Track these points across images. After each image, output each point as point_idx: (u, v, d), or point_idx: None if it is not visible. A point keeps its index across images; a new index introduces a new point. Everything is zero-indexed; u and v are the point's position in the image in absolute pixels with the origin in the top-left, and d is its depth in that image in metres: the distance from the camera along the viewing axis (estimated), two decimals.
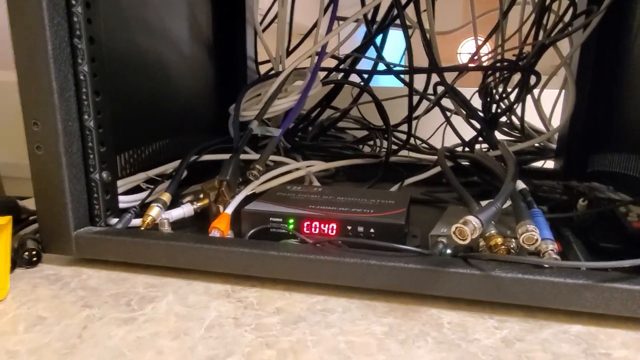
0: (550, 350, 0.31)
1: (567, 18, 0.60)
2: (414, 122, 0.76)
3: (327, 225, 0.44)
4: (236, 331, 0.33)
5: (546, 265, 0.35)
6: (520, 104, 0.67)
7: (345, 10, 0.66)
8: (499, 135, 0.73)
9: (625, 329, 0.33)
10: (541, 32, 0.62)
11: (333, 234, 0.43)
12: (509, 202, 0.40)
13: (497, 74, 0.66)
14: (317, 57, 0.59)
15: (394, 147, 0.72)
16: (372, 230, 0.42)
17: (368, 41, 0.64)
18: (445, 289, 0.36)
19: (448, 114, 0.72)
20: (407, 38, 0.60)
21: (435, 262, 0.36)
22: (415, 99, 0.72)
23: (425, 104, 0.74)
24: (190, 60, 0.65)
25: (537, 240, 0.34)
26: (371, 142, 0.77)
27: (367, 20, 0.63)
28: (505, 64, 0.65)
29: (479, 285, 0.35)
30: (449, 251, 0.38)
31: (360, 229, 0.43)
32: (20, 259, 0.42)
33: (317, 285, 0.39)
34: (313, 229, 0.44)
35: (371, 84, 0.70)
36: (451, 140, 0.73)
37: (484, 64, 0.66)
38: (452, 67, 0.65)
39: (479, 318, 0.35)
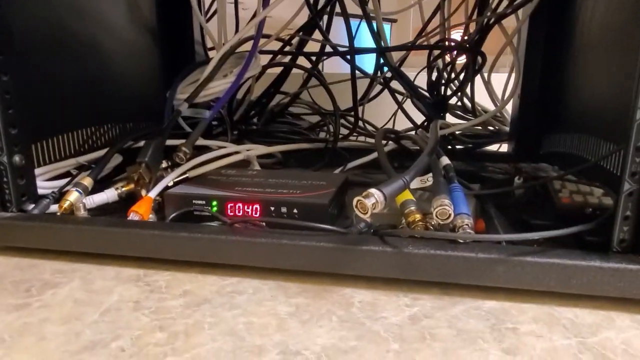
0: (456, 326, 0.30)
1: None
2: (366, 106, 0.75)
3: (250, 207, 0.42)
4: (132, 315, 0.31)
5: (460, 241, 0.33)
6: (470, 85, 0.66)
7: None
8: (450, 118, 0.72)
9: (538, 304, 0.32)
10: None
11: (257, 215, 0.42)
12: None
13: (442, 55, 0.65)
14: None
15: (347, 131, 0.70)
16: (295, 211, 0.41)
17: (314, 23, 0.63)
18: (358, 268, 0.34)
19: (401, 98, 0.70)
20: (347, 20, 0.59)
21: (349, 240, 0.35)
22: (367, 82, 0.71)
23: (379, 87, 0.73)
24: (129, 45, 0.63)
25: (450, 214, 0.33)
26: (325, 128, 0.75)
27: (308, 3, 0.61)
28: (448, 43, 0.63)
29: (392, 263, 0.34)
30: (371, 230, 0.37)
31: (284, 209, 0.41)
32: None
33: (233, 267, 0.37)
34: (237, 211, 0.42)
35: (330, 69, 0.68)
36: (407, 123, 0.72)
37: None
38: (395, 47, 0.63)
39: (392, 296, 0.34)
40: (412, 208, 0.36)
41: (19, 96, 0.41)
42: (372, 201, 0.31)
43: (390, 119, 0.76)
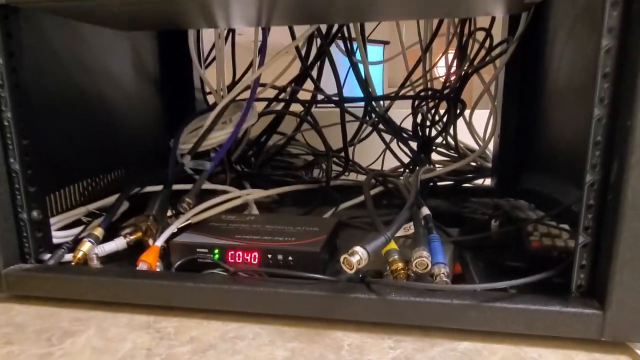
0: None
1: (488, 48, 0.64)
2: (357, 145, 0.79)
3: (249, 255, 0.46)
4: None
5: (437, 289, 0.37)
6: (452, 128, 0.71)
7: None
8: (437, 156, 0.77)
9: (508, 344, 0.36)
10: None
11: (255, 262, 0.46)
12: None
13: (426, 102, 0.70)
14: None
15: (339, 170, 0.75)
16: (290, 258, 0.45)
17: (304, 72, 0.68)
18: (347, 314, 0.38)
19: (389, 138, 0.75)
20: (334, 70, 0.64)
21: (339, 288, 0.39)
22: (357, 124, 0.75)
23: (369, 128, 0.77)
24: (134, 96, 0.67)
25: (427, 265, 0.37)
26: (318, 166, 0.80)
27: (299, 53, 0.66)
28: (430, 93, 0.68)
29: (377, 309, 0.38)
30: (360, 276, 0.41)
31: (280, 257, 0.45)
32: None
33: (234, 313, 0.41)
34: (237, 259, 0.46)
35: (323, 109, 0.73)
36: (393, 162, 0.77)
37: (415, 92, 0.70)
38: (381, 96, 0.68)
39: (378, 339, 0.37)
40: (395, 257, 0.40)
41: (37, 157, 0.45)
42: (356, 258, 0.35)
43: (379, 157, 0.81)
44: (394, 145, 0.76)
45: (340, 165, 0.76)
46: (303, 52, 0.67)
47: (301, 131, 0.75)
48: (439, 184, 0.72)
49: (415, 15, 0.57)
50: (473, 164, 0.79)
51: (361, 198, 0.63)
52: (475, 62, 0.64)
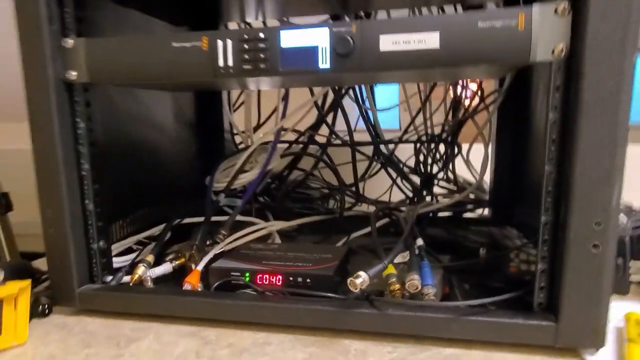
0: None
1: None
2: (368, 182, 0.89)
3: (275, 277, 0.56)
4: None
5: (425, 305, 0.47)
6: (451, 165, 0.80)
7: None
8: (439, 189, 0.86)
9: (484, 351, 0.45)
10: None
11: (279, 284, 0.55)
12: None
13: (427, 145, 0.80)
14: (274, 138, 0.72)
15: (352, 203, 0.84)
16: (308, 280, 0.54)
17: (320, 120, 0.78)
18: (353, 325, 0.48)
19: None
20: (346, 118, 0.74)
21: (347, 304, 0.48)
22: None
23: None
24: (175, 141, 0.79)
25: (418, 287, 0.47)
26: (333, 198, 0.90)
27: (317, 105, 0.77)
28: (429, 137, 0.78)
29: (378, 321, 0.47)
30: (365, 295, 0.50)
31: (300, 279, 0.55)
32: (35, 311, 0.54)
33: (263, 325, 0.51)
34: (264, 281, 0.56)
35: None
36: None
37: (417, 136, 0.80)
38: (387, 140, 0.78)
39: (379, 346, 0.47)
40: (394, 280, 0.49)
41: (105, 197, 0.56)
42: (360, 281, 0.44)
43: (387, 190, 0.90)
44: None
45: (353, 198, 0.86)
46: (320, 102, 0.78)
47: (318, 168, 0.85)
48: (439, 214, 0.82)
49: (417, 80, 0.68)
50: (472, 196, 0.88)
51: (369, 228, 0.72)
52: (470, 109, 0.74)
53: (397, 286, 0.49)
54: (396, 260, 0.55)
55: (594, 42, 0.39)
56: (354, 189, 0.84)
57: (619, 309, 0.50)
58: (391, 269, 0.50)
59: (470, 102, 0.74)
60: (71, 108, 0.52)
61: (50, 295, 0.56)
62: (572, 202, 0.41)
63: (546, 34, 0.40)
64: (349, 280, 0.45)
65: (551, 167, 0.43)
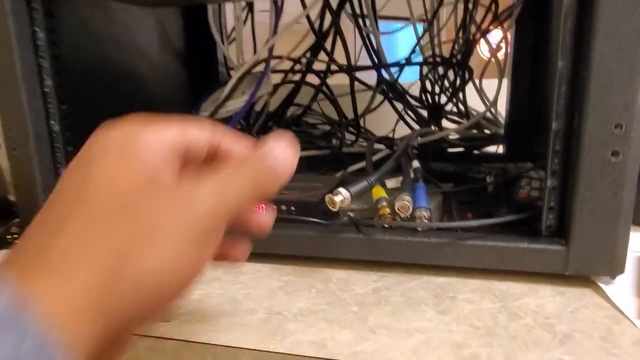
0: (407, 295, 0.38)
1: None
2: (373, 115, 0.83)
3: (257, 206, 0.51)
4: None
5: (418, 229, 0.41)
6: (462, 94, 0.73)
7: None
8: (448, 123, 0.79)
9: (481, 279, 0.40)
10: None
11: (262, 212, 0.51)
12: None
13: (434, 69, 0.72)
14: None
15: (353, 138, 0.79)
16: (292, 208, 0.50)
17: (317, 43, 0.72)
18: (337, 252, 0.43)
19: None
20: (343, 39, 0.67)
21: (332, 230, 0.43)
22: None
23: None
24: (160, 69, 0.73)
25: (409, 208, 0.41)
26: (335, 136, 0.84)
27: (311, 24, 0.70)
28: (438, 59, 0.71)
29: (363, 248, 0.42)
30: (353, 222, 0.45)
31: (284, 207, 0.50)
32: (6, 242, 0.51)
33: None
34: None
35: (340, 81, 0.76)
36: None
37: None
38: (390, 64, 0.71)
39: (364, 275, 0.42)
40: (384, 203, 0.44)
41: (75, 120, 0.52)
42: (340, 198, 0.39)
43: (395, 126, 0.84)
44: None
45: (354, 134, 0.80)
46: (317, 25, 0.71)
47: (318, 101, 0.79)
48: (450, 150, 0.75)
49: None
50: (487, 131, 0.81)
51: (363, 163, 0.66)
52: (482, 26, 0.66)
53: (388, 210, 0.43)
54: (392, 186, 0.50)
55: None
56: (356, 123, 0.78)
57: None
58: (381, 192, 0.45)
59: (484, 18, 0.65)
60: (29, 16, 0.47)
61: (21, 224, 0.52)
62: (587, 100, 0.34)
63: None
64: (327, 198, 0.40)
65: (565, 61, 0.36)
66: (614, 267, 0.37)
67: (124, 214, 0.19)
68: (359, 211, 0.47)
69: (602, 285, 0.37)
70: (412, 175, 0.47)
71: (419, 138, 0.62)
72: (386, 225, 0.42)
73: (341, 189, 0.39)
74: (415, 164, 0.49)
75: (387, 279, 0.41)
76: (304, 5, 0.67)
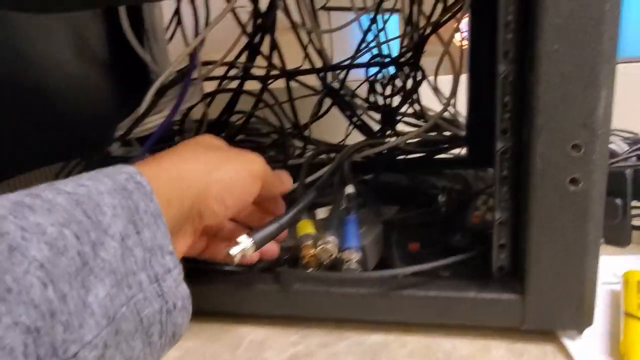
0: None
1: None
2: (323, 121, 0.75)
3: None
4: None
5: (343, 278, 0.34)
6: (416, 95, 0.66)
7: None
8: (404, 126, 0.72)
9: (422, 336, 0.32)
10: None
11: None
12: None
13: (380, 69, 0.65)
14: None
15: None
16: None
17: (252, 47, 0.63)
18: (249, 307, 0.35)
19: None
20: (272, 40, 0.59)
21: (246, 280, 0.35)
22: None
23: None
24: (79, 79, 0.65)
25: (332, 254, 0.34)
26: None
27: (242, 25, 0.62)
28: (387, 60, 0.63)
29: (281, 302, 0.34)
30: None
31: None
32: None
33: None
34: None
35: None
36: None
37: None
38: (333, 66, 0.63)
39: (283, 334, 0.34)
40: (308, 243, 0.36)
41: None
42: (237, 250, 0.31)
43: (348, 134, 0.76)
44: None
45: (305, 142, 0.72)
46: (249, 28, 0.63)
47: (257, 110, 0.71)
48: (410, 156, 0.68)
49: None
50: (447, 133, 0.73)
51: (313, 176, 0.59)
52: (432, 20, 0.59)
53: (312, 251, 0.36)
54: (321, 215, 0.42)
55: None
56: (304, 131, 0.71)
57: (615, 266, 0.36)
58: (308, 227, 0.37)
59: (432, 12, 0.58)
60: None
61: None
62: (536, 113, 0.27)
63: None
64: (225, 252, 0.32)
65: (507, 65, 0.28)
66: (580, 319, 0.29)
67: (212, 151, 0.30)
68: (286, 250, 0.39)
69: (567, 342, 0.30)
70: (344, 203, 0.40)
71: (357, 153, 0.54)
72: (307, 273, 0.34)
73: (242, 238, 0.31)
74: (349, 189, 0.41)
75: (310, 339, 0.33)
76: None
